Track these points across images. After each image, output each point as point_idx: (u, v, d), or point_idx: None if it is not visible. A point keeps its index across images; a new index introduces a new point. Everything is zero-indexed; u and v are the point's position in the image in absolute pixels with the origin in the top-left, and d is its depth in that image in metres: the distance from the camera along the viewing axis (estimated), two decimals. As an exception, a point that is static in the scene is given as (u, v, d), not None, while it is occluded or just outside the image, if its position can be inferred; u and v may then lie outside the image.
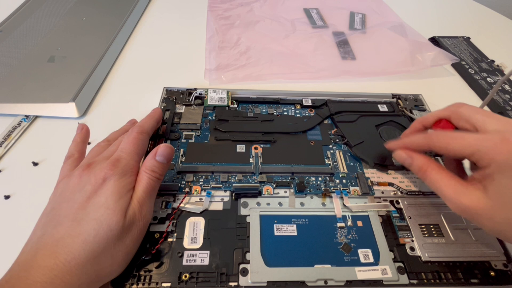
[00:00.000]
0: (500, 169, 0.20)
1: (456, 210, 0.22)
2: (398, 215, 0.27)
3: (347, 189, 0.29)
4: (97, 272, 0.20)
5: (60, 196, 0.22)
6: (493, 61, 0.48)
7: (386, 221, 0.27)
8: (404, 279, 0.24)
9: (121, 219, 0.21)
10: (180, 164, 0.30)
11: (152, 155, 0.24)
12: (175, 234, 0.25)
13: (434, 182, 0.23)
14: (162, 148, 0.25)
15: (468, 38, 0.52)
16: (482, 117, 0.22)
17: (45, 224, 0.21)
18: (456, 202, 0.21)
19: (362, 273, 0.24)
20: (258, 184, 0.29)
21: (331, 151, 0.32)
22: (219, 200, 0.28)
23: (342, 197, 0.28)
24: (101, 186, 0.22)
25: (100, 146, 0.26)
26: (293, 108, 0.37)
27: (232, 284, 0.23)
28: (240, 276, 0.23)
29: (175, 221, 0.26)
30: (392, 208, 0.28)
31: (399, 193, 0.29)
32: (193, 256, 0.24)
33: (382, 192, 0.29)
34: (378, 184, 0.30)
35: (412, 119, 0.35)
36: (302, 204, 0.28)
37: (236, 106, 0.36)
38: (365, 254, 0.25)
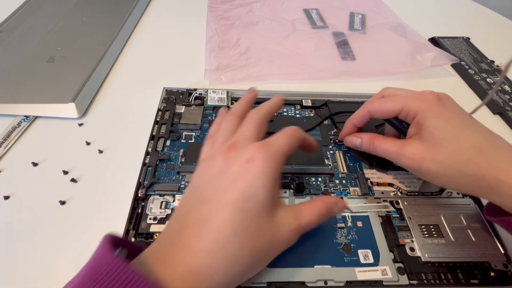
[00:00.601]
0: (426, 114, 0.24)
1: (404, 161, 0.25)
2: (398, 215, 0.27)
3: (347, 189, 0.29)
4: (251, 253, 0.19)
5: (205, 176, 0.21)
6: (493, 61, 0.48)
7: (386, 221, 0.27)
8: (404, 279, 0.24)
9: (268, 194, 0.19)
10: (180, 165, 0.30)
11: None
12: (175, 235, 0.25)
13: (381, 147, 0.27)
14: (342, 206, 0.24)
15: (468, 38, 0.52)
16: (403, 90, 0.28)
17: (189, 202, 0.21)
18: (401, 153, 0.25)
19: (362, 274, 0.24)
20: (258, 185, 0.29)
21: (331, 152, 0.32)
22: (219, 201, 0.28)
23: (342, 198, 0.28)
24: (248, 165, 0.20)
25: (226, 121, 0.25)
26: (293, 108, 0.37)
27: (232, 284, 0.23)
28: (240, 276, 0.23)
29: (175, 221, 0.26)
30: (392, 209, 0.28)
31: (399, 193, 0.29)
32: (193, 256, 0.24)
33: (382, 193, 0.29)
34: (378, 184, 0.30)
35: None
36: (302, 204, 0.28)
37: (236, 106, 0.36)
38: (365, 255, 0.25)
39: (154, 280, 0.16)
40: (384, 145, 0.27)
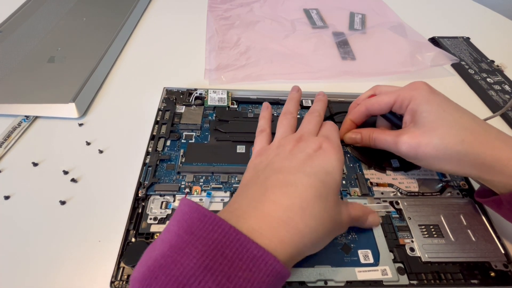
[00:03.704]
0: (419, 101, 0.26)
1: (401, 149, 0.26)
2: (397, 215, 0.27)
3: (346, 190, 0.29)
4: (327, 214, 0.20)
5: (277, 156, 0.23)
6: (493, 61, 0.48)
7: (386, 221, 0.27)
8: (404, 279, 0.24)
9: (341, 177, 0.22)
10: (180, 165, 0.30)
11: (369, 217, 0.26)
12: (175, 235, 0.25)
13: (379, 138, 0.28)
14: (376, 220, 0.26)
15: (468, 38, 0.52)
16: (393, 87, 0.29)
17: (264, 172, 0.22)
18: (398, 141, 0.26)
19: (362, 274, 0.24)
20: (258, 185, 0.29)
21: (331, 152, 0.32)
22: (219, 201, 0.28)
23: (341, 198, 0.28)
24: (320, 150, 0.23)
25: (288, 119, 0.28)
26: (293, 108, 0.37)
27: (232, 284, 0.23)
28: (240, 276, 0.23)
29: (175, 221, 0.26)
30: (391, 209, 0.28)
31: (398, 194, 0.29)
32: (193, 256, 0.24)
33: (382, 193, 0.29)
34: (378, 185, 0.30)
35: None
36: (302, 204, 0.28)
37: (236, 106, 0.36)
38: (365, 255, 0.25)
39: (246, 230, 0.17)
40: (382, 136, 0.28)
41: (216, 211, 0.27)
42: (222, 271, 0.15)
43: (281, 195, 0.19)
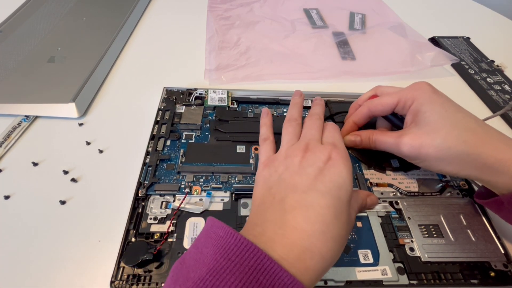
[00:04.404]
0: (422, 100, 0.26)
1: (403, 150, 0.26)
2: (397, 215, 0.27)
3: (347, 189, 0.29)
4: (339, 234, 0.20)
5: (286, 170, 0.23)
6: (493, 61, 0.48)
7: (386, 221, 0.27)
8: (404, 279, 0.24)
9: (352, 186, 0.22)
10: (180, 165, 0.30)
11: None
12: (175, 235, 0.25)
13: (380, 140, 0.28)
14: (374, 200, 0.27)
15: (468, 38, 0.52)
16: (395, 88, 0.29)
17: (278, 190, 0.22)
18: (400, 142, 0.26)
19: (362, 274, 0.24)
20: (258, 185, 0.29)
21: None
22: (219, 201, 0.28)
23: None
24: (330, 162, 0.22)
25: (293, 126, 0.27)
26: (293, 108, 0.37)
27: (232, 284, 0.23)
28: (240, 276, 0.23)
29: (175, 221, 0.26)
30: (391, 209, 0.28)
31: (398, 194, 0.29)
32: (193, 256, 0.24)
33: (382, 193, 0.29)
34: (378, 185, 0.30)
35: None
36: (302, 204, 0.28)
37: (236, 106, 0.36)
38: (364, 255, 0.25)
39: (275, 258, 0.18)
40: (383, 138, 0.28)
41: (216, 211, 0.27)
42: None
43: (302, 220, 0.19)
